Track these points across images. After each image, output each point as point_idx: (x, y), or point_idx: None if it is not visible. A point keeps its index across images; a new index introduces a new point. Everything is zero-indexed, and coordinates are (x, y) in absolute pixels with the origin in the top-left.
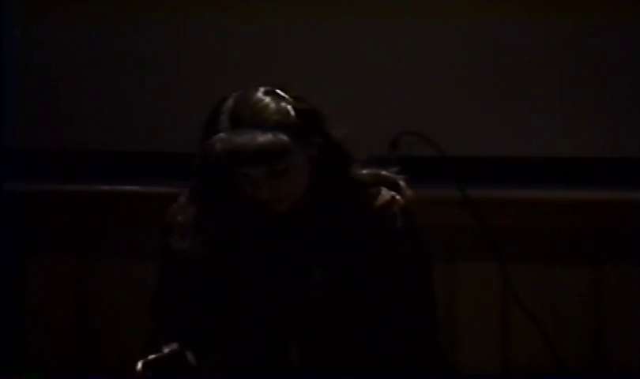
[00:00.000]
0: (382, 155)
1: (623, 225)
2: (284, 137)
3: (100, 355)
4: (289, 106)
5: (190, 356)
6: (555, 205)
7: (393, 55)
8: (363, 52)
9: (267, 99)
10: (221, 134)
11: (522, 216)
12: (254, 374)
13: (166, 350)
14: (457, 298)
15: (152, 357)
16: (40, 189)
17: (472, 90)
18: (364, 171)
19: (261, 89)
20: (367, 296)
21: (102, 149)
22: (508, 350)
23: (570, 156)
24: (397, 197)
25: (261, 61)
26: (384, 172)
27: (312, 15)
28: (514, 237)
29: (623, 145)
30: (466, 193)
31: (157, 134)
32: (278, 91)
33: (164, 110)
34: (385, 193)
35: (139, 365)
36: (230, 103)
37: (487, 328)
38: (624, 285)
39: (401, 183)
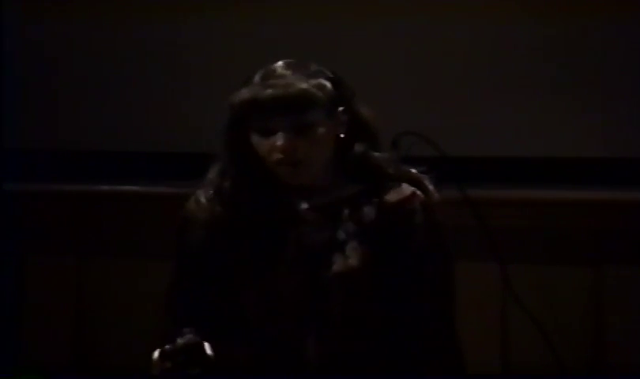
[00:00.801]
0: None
1: (623, 225)
2: (314, 90)
3: (100, 355)
4: (322, 74)
5: (207, 347)
6: (555, 205)
7: (393, 55)
8: (363, 52)
9: (301, 62)
10: (251, 86)
11: (522, 216)
12: (270, 367)
13: (183, 340)
14: (458, 298)
15: (169, 347)
16: (40, 189)
17: (472, 90)
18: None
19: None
20: (386, 290)
21: (102, 149)
22: (508, 350)
23: (570, 156)
24: (418, 192)
25: (261, 61)
26: (411, 169)
27: (312, 15)
28: (514, 237)
29: (623, 145)
30: (466, 193)
31: (157, 134)
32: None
33: (164, 110)
34: (407, 188)
35: (155, 354)
36: (263, 68)
37: (487, 328)
38: (624, 285)
39: (427, 182)
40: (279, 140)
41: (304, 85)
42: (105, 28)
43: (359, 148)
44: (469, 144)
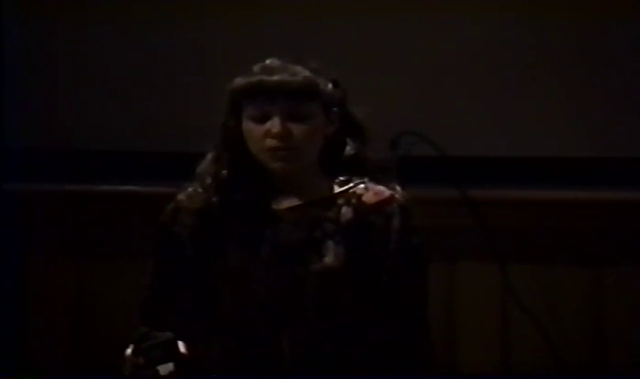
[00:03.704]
0: (383, 155)
1: (623, 225)
2: (319, 82)
3: (100, 355)
4: (322, 72)
5: (181, 345)
6: (555, 205)
7: (392, 55)
8: (363, 52)
9: (301, 59)
10: (253, 73)
11: (522, 216)
12: (245, 363)
13: (158, 338)
14: (457, 298)
15: (143, 344)
16: (40, 189)
17: (472, 90)
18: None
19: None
20: (361, 289)
21: (102, 149)
22: (508, 350)
23: (570, 156)
24: (397, 195)
25: (261, 62)
26: (396, 186)
27: (312, 15)
28: (514, 237)
29: (622, 145)
30: (466, 193)
31: (157, 134)
32: None
33: (164, 110)
34: (385, 190)
35: (128, 350)
36: (262, 61)
37: (487, 328)
38: (624, 285)
39: (397, 187)
40: (275, 125)
41: (309, 75)
42: (105, 28)
43: (350, 148)
44: (469, 144)
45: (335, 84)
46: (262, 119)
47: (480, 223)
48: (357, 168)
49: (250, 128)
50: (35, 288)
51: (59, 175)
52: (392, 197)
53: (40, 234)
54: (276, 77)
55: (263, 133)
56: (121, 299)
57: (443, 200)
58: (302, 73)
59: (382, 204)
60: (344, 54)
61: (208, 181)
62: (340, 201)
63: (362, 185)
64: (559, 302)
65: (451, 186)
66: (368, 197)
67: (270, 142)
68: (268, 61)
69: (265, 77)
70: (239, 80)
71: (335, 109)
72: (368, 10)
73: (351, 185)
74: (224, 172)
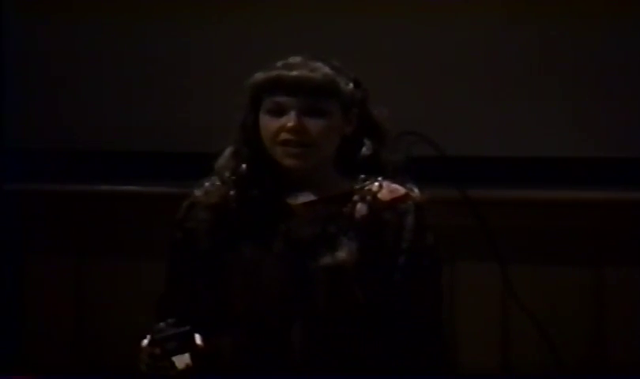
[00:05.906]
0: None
1: (623, 225)
2: (339, 80)
3: (100, 355)
4: (343, 72)
5: (197, 337)
6: (555, 205)
7: (393, 55)
8: (363, 52)
9: (323, 57)
10: (274, 68)
11: (522, 216)
12: (256, 357)
13: (174, 328)
14: (457, 298)
15: (159, 335)
16: (40, 189)
17: (472, 90)
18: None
19: None
20: (373, 285)
21: (102, 149)
22: (508, 350)
23: (570, 156)
24: (412, 193)
25: (261, 62)
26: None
27: (311, 15)
28: (514, 237)
29: (623, 145)
30: (466, 193)
31: (157, 134)
32: None
33: (164, 110)
34: (400, 188)
35: (145, 341)
36: (284, 58)
37: (487, 328)
38: (624, 285)
39: (413, 188)
40: (291, 119)
41: (330, 72)
42: (105, 28)
43: (366, 149)
44: (469, 144)
45: (356, 84)
46: (279, 113)
47: (480, 223)
48: (373, 168)
49: (266, 121)
50: (35, 288)
51: (59, 175)
52: (407, 194)
53: (40, 234)
54: (295, 72)
55: (278, 126)
56: (121, 299)
57: (443, 200)
58: (322, 69)
59: (397, 201)
60: (344, 54)
61: (227, 174)
62: (355, 198)
63: (377, 183)
64: (558, 302)
65: (451, 186)
66: (383, 194)
67: (284, 136)
68: (290, 59)
69: (284, 72)
70: (259, 75)
71: (355, 109)
72: (368, 10)
73: (366, 182)
74: (243, 166)
